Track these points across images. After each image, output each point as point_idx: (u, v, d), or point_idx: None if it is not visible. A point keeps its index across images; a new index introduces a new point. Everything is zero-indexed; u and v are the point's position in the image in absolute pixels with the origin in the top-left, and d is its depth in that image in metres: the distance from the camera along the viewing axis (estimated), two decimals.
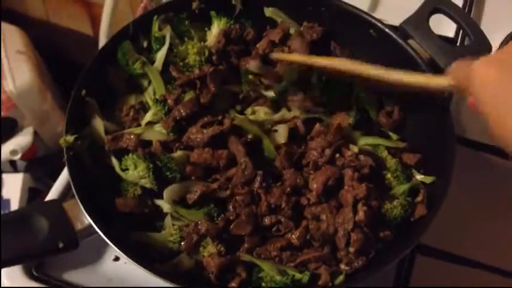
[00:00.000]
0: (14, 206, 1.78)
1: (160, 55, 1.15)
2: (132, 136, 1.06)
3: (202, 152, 1.03)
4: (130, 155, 1.03)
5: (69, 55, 2.20)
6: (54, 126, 2.04)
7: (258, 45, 1.18)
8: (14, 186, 1.83)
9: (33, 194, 1.87)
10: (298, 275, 0.96)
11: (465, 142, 1.23)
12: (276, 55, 1.14)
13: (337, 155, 1.04)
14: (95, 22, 2.11)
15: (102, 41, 1.74)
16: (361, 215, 0.97)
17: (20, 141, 1.99)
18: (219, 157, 1.03)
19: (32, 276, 1.10)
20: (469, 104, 0.82)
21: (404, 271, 1.09)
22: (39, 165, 2.00)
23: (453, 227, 1.12)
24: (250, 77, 1.13)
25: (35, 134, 2.02)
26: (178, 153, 1.05)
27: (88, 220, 0.95)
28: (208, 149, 1.03)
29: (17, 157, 1.96)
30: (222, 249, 0.98)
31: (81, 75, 1.08)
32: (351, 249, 0.96)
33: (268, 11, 1.21)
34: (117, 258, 1.12)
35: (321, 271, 0.97)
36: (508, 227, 1.19)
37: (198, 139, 1.04)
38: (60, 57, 2.20)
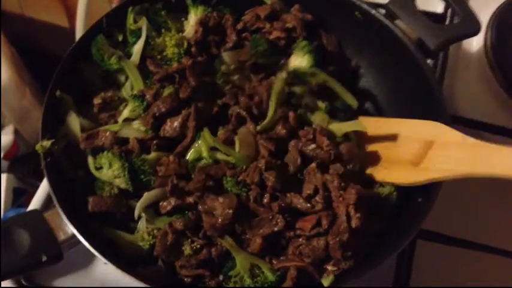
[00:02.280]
0: None
1: (137, 48, 1.10)
2: (107, 133, 1.02)
3: (169, 162, 1.00)
4: (105, 152, 1.00)
5: (46, 48, 2.15)
6: (35, 123, 1.97)
7: (242, 17, 1.14)
8: None
9: (19, 194, 1.84)
10: (270, 276, 0.93)
11: (458, 120, 1.20)
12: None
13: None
14: (71, 14, 2.07)
15: (79, 33, 1.71)
16: (356, 222, 0.92)
17: (1, 140, 1.94)
18: (186, 164, 1.00)
19: (21, 286, 1.08)
20: None
21: (404, 264, 1.09)
22: (22, 164, 1.97)
23: (452, 211, 1.11)
24: (223, 68, 1.09)
25: (16, 132, 1.98)
26: (152, 155, 1.01)
27: (71, 229, 0.92)
28: (174, 158, 1.00)
29: None
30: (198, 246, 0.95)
31: (54, 76, 1.03)
32: (347, 254, 0.93)
33: None
34: None
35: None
36: (507, 208, 1.17)
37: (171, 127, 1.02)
38: (37, 51, 2.15)
